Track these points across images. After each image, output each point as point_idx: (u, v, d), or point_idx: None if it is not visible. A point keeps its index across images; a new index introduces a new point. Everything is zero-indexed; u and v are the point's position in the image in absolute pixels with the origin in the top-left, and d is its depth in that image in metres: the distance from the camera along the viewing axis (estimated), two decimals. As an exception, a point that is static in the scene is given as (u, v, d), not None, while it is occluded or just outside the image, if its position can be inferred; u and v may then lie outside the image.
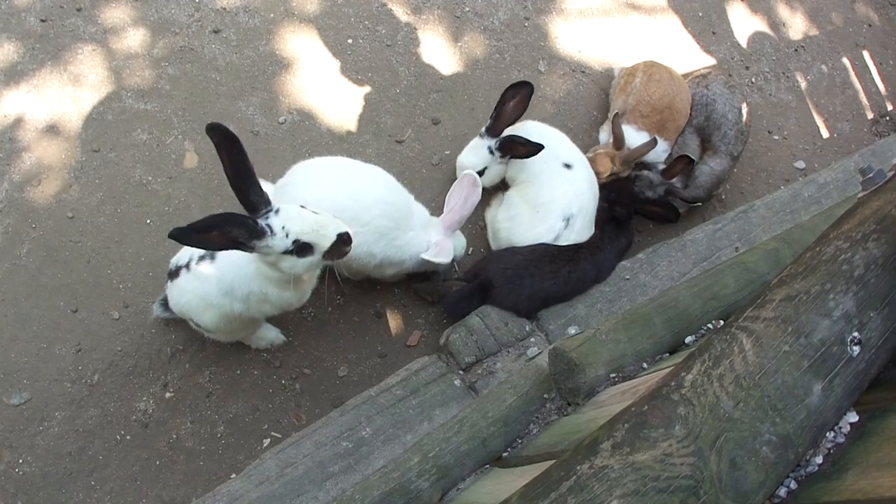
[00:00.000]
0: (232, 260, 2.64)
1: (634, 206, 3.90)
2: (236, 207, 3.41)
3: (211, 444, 3.13)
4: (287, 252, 2.38)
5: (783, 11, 5.25)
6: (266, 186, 3.35)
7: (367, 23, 4.21)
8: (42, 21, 3.78)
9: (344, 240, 2.42)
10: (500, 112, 3.52)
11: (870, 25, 5.47)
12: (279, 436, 3.17)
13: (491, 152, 3.62)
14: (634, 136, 3.97)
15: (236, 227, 2.28)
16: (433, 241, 3.23)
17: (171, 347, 3.24)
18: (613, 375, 2.62)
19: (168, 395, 3.17)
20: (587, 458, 1.51)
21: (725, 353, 1.65)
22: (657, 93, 4.01)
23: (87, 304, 3.26)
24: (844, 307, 1.70)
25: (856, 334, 1.69)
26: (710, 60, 4.82)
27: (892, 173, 2.15)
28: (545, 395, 2.80)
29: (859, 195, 2.17)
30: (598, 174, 3.78)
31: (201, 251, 2.71)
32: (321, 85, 3.98)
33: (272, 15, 4.07)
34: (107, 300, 3.28)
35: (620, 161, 3.86)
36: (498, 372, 3.20)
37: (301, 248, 2.38)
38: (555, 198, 3.54)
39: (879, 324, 1.74)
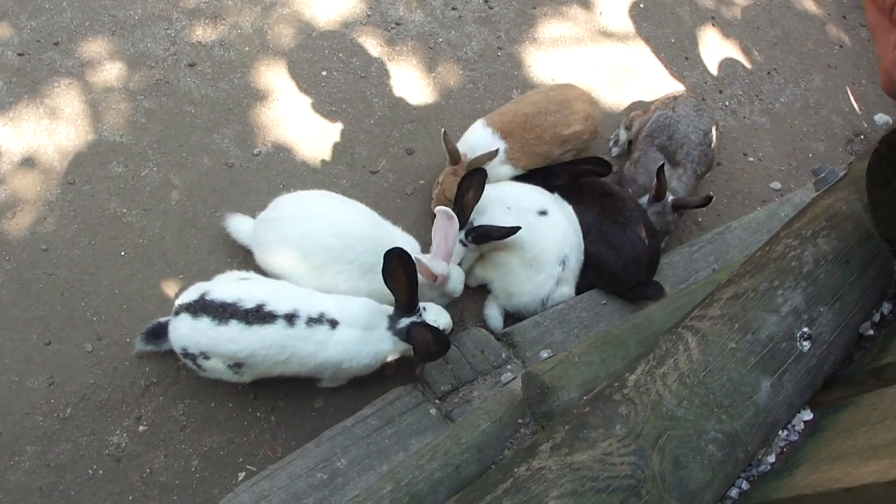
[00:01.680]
0: (353, 339, 2.99)
1: (567, 171, 3.85)
2: (210, 240, 3.45)
3: (185, 478, 3.09)
4: None
5: (754, 36, 5.29)
6: (245, 220, 3.38)
7: (341, 55, 4.23)
8: (19, 55, 3.79)
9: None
10: (461, 205, 3.39)
11: (841, 46, 5.51)
12: (254, 469, 3.13)
13: (464, 244, 3.52)
14: (485, 137, 3.73)
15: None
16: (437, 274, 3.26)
17: (144, 380, 3.21)
18: (587, 397, 2.60)
19: (142, 428, 3.13)
20: (525, 460, 1.50)
21: (670, 352, 1.64)
22: (529, 100, 3.88)
23: (60, 336, 3.23)
24: (793, 303, 1.70)
25: (805, 329, 1.68)
26: (683, 85, 4.84)
27: (843, 172, 2.18)
28: (519, 421, 2.76)
29: (812, 196, 2.19)
30: (452, 199, 3.55)
31: (304, 309, 2.90)
32: (296, 117, 3.99)
33: (247, 48, 4.09)
34: (80, 333, 3.25)
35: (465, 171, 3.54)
36: (474, 400, 3.16)
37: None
38: (544, 249, 3.50)
39: (830, 318, 1.73)
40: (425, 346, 2.86)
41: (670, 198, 3.85)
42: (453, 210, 3.19)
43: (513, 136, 3.73)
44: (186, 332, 2.84)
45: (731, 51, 5.14)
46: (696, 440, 1.49)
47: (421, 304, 3.02)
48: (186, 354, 2.90)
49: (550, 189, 3.72)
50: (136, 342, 3.15)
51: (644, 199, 3.89)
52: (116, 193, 3.56)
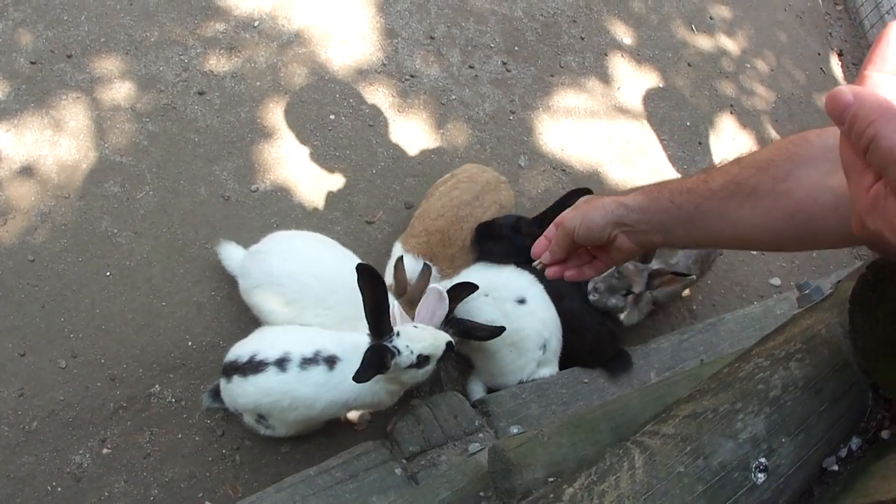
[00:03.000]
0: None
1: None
2: (197, 271, 3.67)
3: (142, 506, 3.27)
4: (410, 366, 2.96)
5: (772, 129, 5.57)
6: (237, 250, 3.59)
7: (351, 100, 4.51)
8: (31, 63, 4.05)
9: (451, 346, 3.07)
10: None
11: (858, 152, 5.77)
12: (212, 505, 3.31)
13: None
14: (412, 264, 3.65)
15: (388, 353, 2.86)
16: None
17: (114, 403, 3.40)
18: (552, 479, 2.66)
19: (105, 451, 3.32)
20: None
21: (614, 468, 1.61)
22: (434, 210, 3.80)
23: (35, 349, 3.43)
24: (753, 430, 1.63)
25: (762, 460, 1.61)
26: (692, 170, 5.09)
27: (830, 290, 2.13)
28: (481, 493, 2.82)
29: (794, 313, 2.16)
30: None
31: (297, 351, 3.07)
32: (298, 157, 4.25)
33: (258, 83, 4.36)
34: (56, 348, 3.45)
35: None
36: (441, 464, 3.28)
37: (422, 361, 2.98)
38: (524, 336, 3.62)
39: (792, 451, 1.65)
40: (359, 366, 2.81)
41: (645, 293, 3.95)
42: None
43: (437, 257, 3.74)
44: (222, 394, 3.26)
45: (746, 141, 5.42)
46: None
47: (396, 329, 2.94)
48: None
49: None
50: (203, 399, 3.43)
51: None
52: (109, 213, 3.80)
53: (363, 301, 2.80)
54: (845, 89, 1.01)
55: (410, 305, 3.37)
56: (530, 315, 3.65)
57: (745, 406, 1.68)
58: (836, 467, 1.82)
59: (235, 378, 3.09)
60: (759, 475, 1.59)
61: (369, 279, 2.75)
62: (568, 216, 1.86)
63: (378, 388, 3.11)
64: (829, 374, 1.78)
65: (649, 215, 1.70)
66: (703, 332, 4.19)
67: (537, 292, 3.74)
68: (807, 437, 1.69)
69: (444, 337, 3.06)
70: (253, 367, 3.05)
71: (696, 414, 1.69)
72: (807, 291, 2.19)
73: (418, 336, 2.98)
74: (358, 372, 2.73)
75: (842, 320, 1.88)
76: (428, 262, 3.61)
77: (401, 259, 3.49)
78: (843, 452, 1.87)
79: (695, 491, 1.54)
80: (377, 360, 2.81)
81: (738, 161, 1.61)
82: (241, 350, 3.15)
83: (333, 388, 3.07)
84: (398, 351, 2.88)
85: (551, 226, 1.99)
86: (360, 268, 2.73)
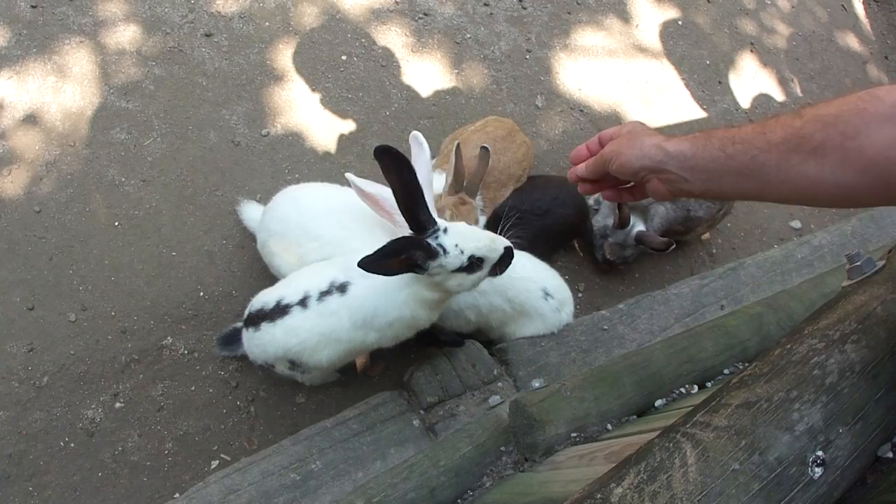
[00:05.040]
0: (375, 288, 2.69)
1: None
2: (208, 219, 3.51)
3: (157, 460, 3.17)
4: (458, 269, 2.48)
5: (793, 67, 5.36)
6: (258, 209, 3.41)
7: (363, 41, 4.31)
8: (32, 7, 3.86)
9: (509, 252, 2.56)
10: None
11: (881, 89, 5.57)
12: (228, 458, 3.21)
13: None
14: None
15: (418, 250, 2.39)
16: None
17: (125, 356, 3.29)
18: (575, 435, 2.61)
19: (118, 405, 3.21)
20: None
21: (665, 465, 1.49)
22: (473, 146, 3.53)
23: (44, 302, 3.31)
24: (810, 420, 1.53)
25: (819, 453, 1.51)
26: (712, 111, 4.91)
27: (882, 263, 2.03)
28: (502, 448, 2.79)
29: (844, 284, 2.07)
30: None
31: (315, 287, 2.78)
32: (309, 100, 4.07)
33: (267, 24, 4.17)
34: (65, 301, 3.33)
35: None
36: (460, 415, 3.21)
37: (474, 265, 2.49)
38: (523, 298, 3.45)
39: (849, 441, 1.56)
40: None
41: (635, 230, 3.90)
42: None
43: (486, 188, 3.59)
44: (247, 346, 3.02)
45: (767, 80, 5.22)
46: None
47: (441, 223, 2.48)
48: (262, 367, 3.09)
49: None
50: (216, 346, 3.31)
51: (606, 223, 3.96)
52: (117, 161, 3.64)
53: (392, 191, 2.39)
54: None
55: (464, 201, 3.15)
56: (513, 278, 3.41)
57: (800, 394, 1.58)
58: (890, 454, 1.73)
59: (264, 325, 2.83)
60: (817, 469, 1.49)
61: (392, 161, 2.32)
62: (608, 146, 1.85)
63: (407, 298, 2.67)
64: (885, 357, 1.67)
65: (693, 162, 1.65)
66: (723, 276, 4.08)
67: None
68: (864, 425, 1.59)
69: (502, 241, 2.55)
70: (280, 310, 2.81)
71: (749, 403, 1.58)
72: (858, 263, 2.04)
73: (472, 234, 2.49)
74: (367, 257, 2.27)
75: (898, 297, 1.78)
76: (486, 146, 3.25)
77: (459, 147, 3.10)
78: (899, 438, 1.81)
79: (750, 490, 1.43)
80: (395, 250, 2.33)
81: (799, 115, 1.53)
82: (267, 297, 2.91)
83: (351, 310, 2.73)
84: (444, 249, 2.42)
85: (595, 137, 1.97)
86: (379, 150, 2.32)
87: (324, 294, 2.78)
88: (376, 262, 2.28)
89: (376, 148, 2.30)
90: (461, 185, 3.14)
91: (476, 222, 3.14)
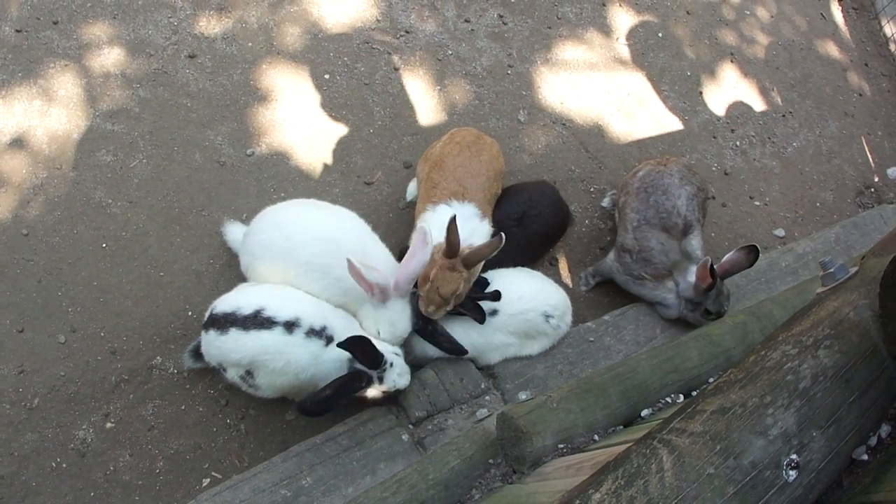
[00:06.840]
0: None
1: None
2: (195, 239, 3.57)
3: (149, 479, 3.21)
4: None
5: (773, 76, 5.45)
6: (241, 229, 3.47)
7: (346, 59, 4.37)
8: (17, 31, 3.91)
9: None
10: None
11: (860, 95, 5.68)
12: (219, 476, 3.25)
13: None
14: (469, 216, 3.46)
15: (367, 382, 3.08)
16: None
17: (115, 377, 3.33)
18: (562, 446, 2.62)
19: (109, 425, 3.25)
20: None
21: (641, 470, 1.53)
22: (455, 160, 3.59)
23: (33, 324, 3.35)
24: (784, 425, 1.57)
25: (794, 457, 1.54)
26: (693, 121, 4.98)
27: (854, 269, 2.05)
28: (490, 461, 2.81)
29: (818, 291, 2.09)
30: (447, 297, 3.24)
31: (309, 318, 3.04)
32: (293, 119, 4.13)
33: (250, 44, 4.23)
34: (54, 322, 3.37)
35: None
36: (449, 429, 3.26)
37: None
38: (530, 325, 3.56)
39: (823, 444, 1.59)
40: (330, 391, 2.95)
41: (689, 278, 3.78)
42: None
43: (468, 190, 3.54)
44: (205, 347, 3.11)
45: (748, 90, 5.30)
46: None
47: (388, 360, 3.07)
48: (215, 369, 3.19)
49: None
50: (184, 359, 3.33)
51: (686, 291, 3.80)
52: (103, 183, 3.69)
53: (353, 356, 2.97)
54: None
55: (454, 268, 3.19)
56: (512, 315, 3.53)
57: (774, 399, 1.61)
58: (865, 456, 1.77)
59: (233, 331, 2.94)
60: (791, 472, 1.53)
61: (359, 344, 2.91)
62: None
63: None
64: (858, 361, 1.71)
65: None
66: (708, 285, 4.10)
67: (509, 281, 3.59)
68: (838, 429, 1.62)
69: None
70: (258, 322, 2.93)
71: (724, 409, 1.62)
72: (831, 270, 2.08)
73: (405, 375, 3.17)
74: (319, 400, 2.90)
75: (870, 302, 1.81)
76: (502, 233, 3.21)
77: (454, 219, 3.11)
78: (873, 441, 1.84)
79: (725, 493, 1.47)
80: (351, 388, 2.99)
81: None
82: (241, 302, 3.00)
83: (322, 363, 3.06)
84: (381, 380, 3.07)
85: None
86: (347, 342, 2.88)
87: (314, 333, 3.02)
88: (332, 401, 2.92)
89: (343, 343, 2.88)
90: (454, 252, 3.16)
91: (455, 292, 3.19)
